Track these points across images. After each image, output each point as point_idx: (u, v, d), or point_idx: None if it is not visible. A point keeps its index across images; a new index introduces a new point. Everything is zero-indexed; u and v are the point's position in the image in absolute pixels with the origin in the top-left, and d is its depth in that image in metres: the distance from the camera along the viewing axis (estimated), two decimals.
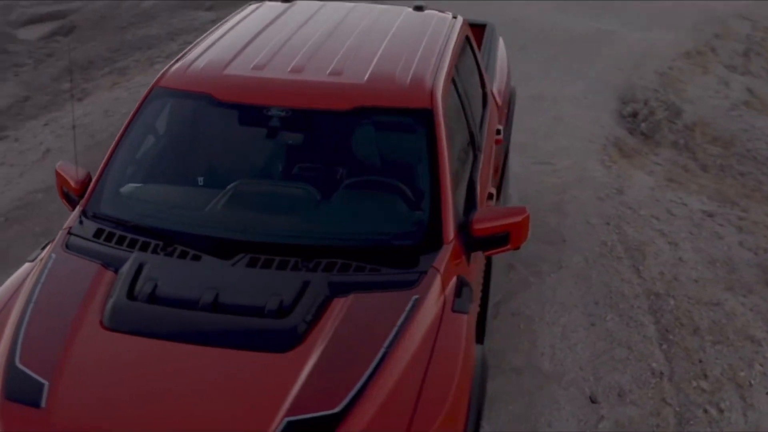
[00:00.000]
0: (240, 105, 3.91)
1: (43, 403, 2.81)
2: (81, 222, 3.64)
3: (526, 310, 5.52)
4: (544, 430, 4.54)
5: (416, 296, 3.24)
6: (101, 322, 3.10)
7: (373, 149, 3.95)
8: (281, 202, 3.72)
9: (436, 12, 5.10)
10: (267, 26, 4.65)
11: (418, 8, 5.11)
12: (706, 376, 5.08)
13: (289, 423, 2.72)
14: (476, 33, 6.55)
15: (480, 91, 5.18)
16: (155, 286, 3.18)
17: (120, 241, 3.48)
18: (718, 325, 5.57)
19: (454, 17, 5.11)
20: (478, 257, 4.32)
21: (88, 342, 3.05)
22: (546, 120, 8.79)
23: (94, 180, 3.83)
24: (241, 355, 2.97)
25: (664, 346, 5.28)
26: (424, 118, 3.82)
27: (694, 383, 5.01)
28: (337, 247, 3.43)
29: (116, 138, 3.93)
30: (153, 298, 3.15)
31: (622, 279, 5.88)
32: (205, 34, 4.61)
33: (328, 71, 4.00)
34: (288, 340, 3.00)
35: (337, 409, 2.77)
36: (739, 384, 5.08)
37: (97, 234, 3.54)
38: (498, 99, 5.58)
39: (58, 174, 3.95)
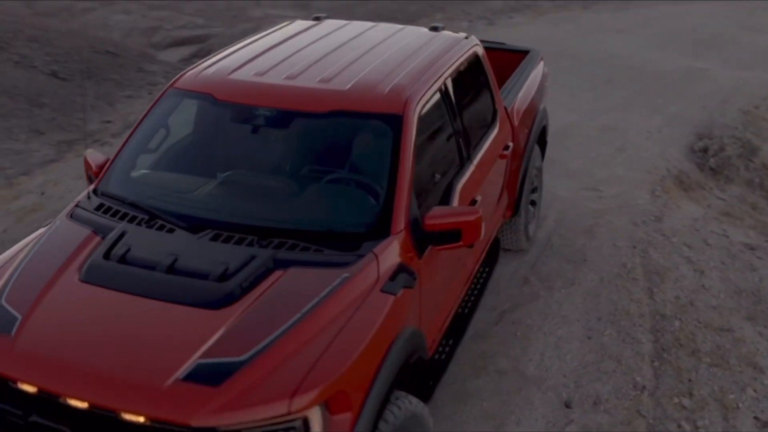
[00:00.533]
0: (233, 104, 4.46)
1: (12, 332, 3.40)
2: (89, 198, 4.27)
3: (527, 320, 5.76)
4: (511, 427, 4.77)
5: (347, 275, 3.64)
6: (79, 276, 3.67)
7: (344, 148, 4.39)
8: (253, 190, 4.23)
9: (450, 33, 5.49)
10: (286, 39, 5.20)
11: (434, 28, 5.53)
12: (691, 395, 5.16)
13: (199, 365, 3.18)
14: (519, 58, 6.90)
15: (487, 107, 5.51)
16: (128, 250, 3.74)
17: (114, 214, 4.07)
18: (721, 350, 5.61)
19: (466, 38, 5.48)
20: (455, 259, 4.67)
21: (63, 290, 3.63)
22: (609, 150, 8.93)
23: (107, 165, 4.46)
24: (181, 309, 3.46)
25: (656, 363, 5.39)
26: (394, 123, 4.23)
27: (676, 400, 5.10)
28: (292, 230, 3.88)
29: (131, 131, 4.56)
30: (123, 259, 3.70)
31: (631, 299, 6.01)
32: (233, 44, 5.20)
33: (318, 79, 4.49)
34: (222, 301, 3.47)
35: (241, 358, 3.21)
36: (725, 406, 5.13)
37: (98, 208, 4.15)
38: (514, 118, 5.88)
39: (84, 160, 4.62)
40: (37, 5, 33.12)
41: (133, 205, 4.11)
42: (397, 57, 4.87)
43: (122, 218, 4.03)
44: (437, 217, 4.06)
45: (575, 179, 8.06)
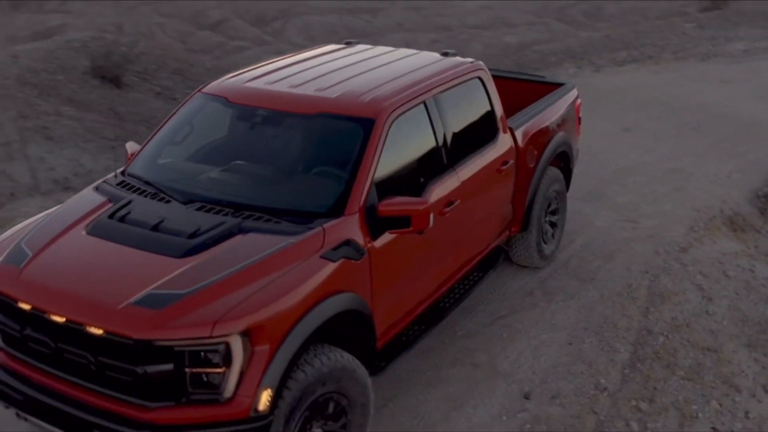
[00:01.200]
0: (240, 106, 5.30)
1: (21, 265, 4.32)
2: (115, 176, 5.20)
3: (517, 325, 6.21)
4: (467, 410, 5.26)
5: (293, 240, 4.35)
6: (86, 230, 4.57)
7: (324, 144, 5.12)
8: (241, 175, 5.04)
9: (456, 59, 6.13)
10: (310, 58, 6.03)
11: (444, 54, 6.19)
12: (652, 401, 5.45)
13: (150, 294, 3.98)
14: (551, 89, 7.44)
15: (486, 125, 6.06)
16: (128, 213, 4.61)
17: (130, 188, 4.98)
18: (700, 367, 5.85)
19: (471, 62, 6.10)
20: (431, 255, 5.25)
21: (70, 239, 4.54)
22: (666, 189, 9.14)
23: (136, 153, 5.40)
24: (153, 256, 4.28)
25: (626, 371, 5.71)
26: (367, 125, 4.93)
27: (634, 403, 5.41)
28: (264, 207, 4.65)
29: (159, 125, 5.50)
30: (122, 219, 4.58)
31: (624, 314, 6.33)
32: (271, 59, 6.09)
33: (315, 89, 5.27)
34: (186, 252, 4.26)
35: (183, 291, 3.98)
36: (684, 414, 5.39)
37: (119, 183, 5.08)
38: (520, 140, 6.39)
39: (126, 150, 5.58)
40: (191, 41, 35.92)
41: (146, 183, 5.01)
42: (390, 74, 5.58)
43: (135, 191, 4.92)
44: (390, 204, 4.70)
45: (618, 211, 8.37)
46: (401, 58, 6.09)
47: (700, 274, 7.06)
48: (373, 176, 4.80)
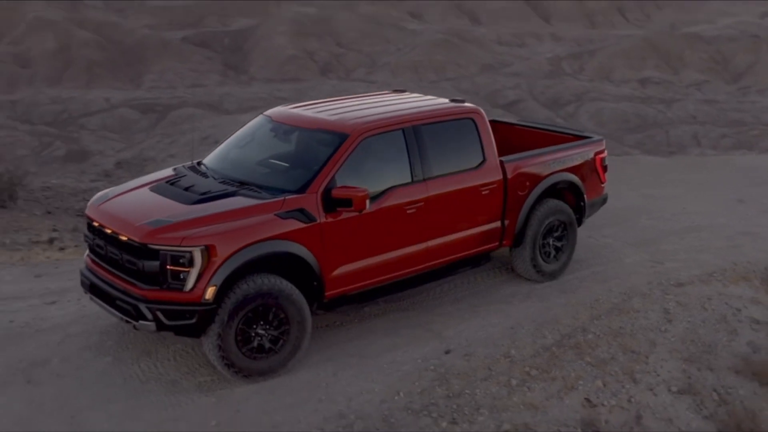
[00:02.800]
0: (275, 122, 7.71)
1: (102, 202, 7.06)
2: (192, 162, 7.82)
3: (483, 312, 7.80)
4: (398, 352, 7.05)
5: (258, 202, 6.62)
6: (150, 188, 7.21)
7: (313, 148, 7.30)
8: (255, 165, 7.42)
9: (458, 104, 8.03)
10: (355, 98, 8.32)
11: (453, 100, 8.14)
12: (544, 371, 6.81)
13: (156, 219, 6.43)
14: (574, 139, 9.02)
15: (472, 155, 7.83)
16: (179, 181, 7.19)
17: (192, 169, 7.55)
18: (612, 360, 7.04)
19: (466, 106, 8.00)
20: (390, 240, 7.22)
21: (138, 192, 7.19)
22: (720, 245, 9.90)
23: (213, 152, 8.00)
24: (175, 203, 6.74)
25: (540, 350, 7.08)
26: (342, 138, 7.08)
27: (527, 369, 6.82)
28: (258, 184, 6.97)
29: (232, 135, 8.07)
30: (173, 184, 7.15)
31: (573, 317, 7.63)
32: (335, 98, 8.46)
33: (328, 114, 7.54)
34: (194, 201, 6.69)
35: (173, 219, 6.40)
36: (566, 384, 6.69)
37: (190, 168, 7.67)
38: (510, 172, 8.02)
39: None
40: None
41: (204, 167, 7.57)
42: (386, 110, 7.68)
43: (193, 171, 7.49)
44: (339, 189, 6.79)
45: (653, 255, 9.46)
46: (412, 101, 8.17)
47: (676, 302, 8.07)
48: (335, 172, 6.93)
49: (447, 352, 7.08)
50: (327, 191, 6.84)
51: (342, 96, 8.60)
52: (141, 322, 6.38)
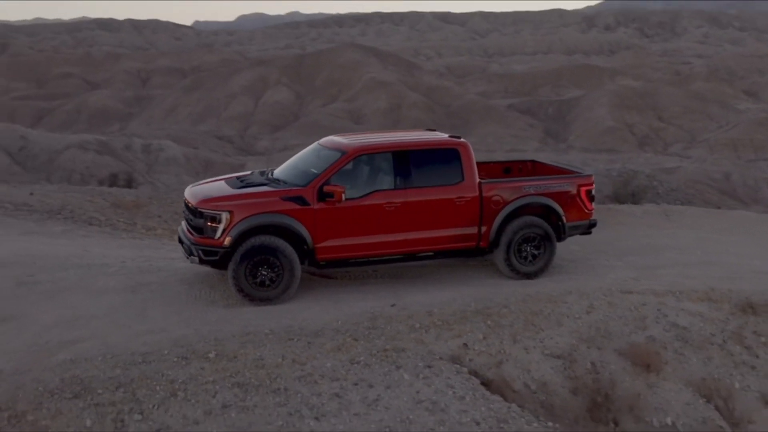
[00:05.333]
0: (320, 145, 11.19)
1: (191, 186, 11.06)
2: (265, 170, 11.55)
3: (447, 282, 10.47)
4: (351, 302, 10.03)
5: (273, 189, 10.17)
6: (225, 181, 11.07)
7: (326, 161, 10.46)
8: (294, 172, 10.90)
9: (449, 138, 10.90)
10: (389, 132, 11.56)
11: (452, 136, 11.04)
12: (449, 325, 9.35)
13: (207, 195, 10.28)
14: (567, 173, 11.39)
15: (452, 174, 10.58)
16: (244, 177, 10.99)
17: (261, 173, 11.28)
18: (509, 327, 9.33)
19: (455, 139, 10.85)
20: (372, 227, 10.37)
21: (216, 182, 11.02)
22: (718, 274, 11.34)
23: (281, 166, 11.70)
24: (228, 188, 10.52)
25: (457, 313, 9.63)
26: (342, 154, 10.40)
27: (437, 321, 9.40)
28: (287, 181, 10.52)
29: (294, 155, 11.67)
30: (239, 178, 10.92)
31: (506, 296, 10.01)
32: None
33: (347, 140, 10.89)
34: (238, 187, 10.41)
35: (215, 195, 10.18)
36: (456, 334, 9.19)
37: (260, 172, 11.39)
38: (486, 191, 10.63)
39: None
40: None
41: (269, 174, 11.26)
42: (393, 139, 10.84)
43: (262, 175, 11.21)
44: (328, 186, 10.10)
45: (639, 272, 11.32)
46: (420, 136, 11.21)
47: (608, 303, 9.91)
48: (331, 175, 10.26)
49: (392, 305, 9.92)
50: (321, 187, 10.19)
51: (386, 131, 11.88)
52: (191, 257, 10.19)
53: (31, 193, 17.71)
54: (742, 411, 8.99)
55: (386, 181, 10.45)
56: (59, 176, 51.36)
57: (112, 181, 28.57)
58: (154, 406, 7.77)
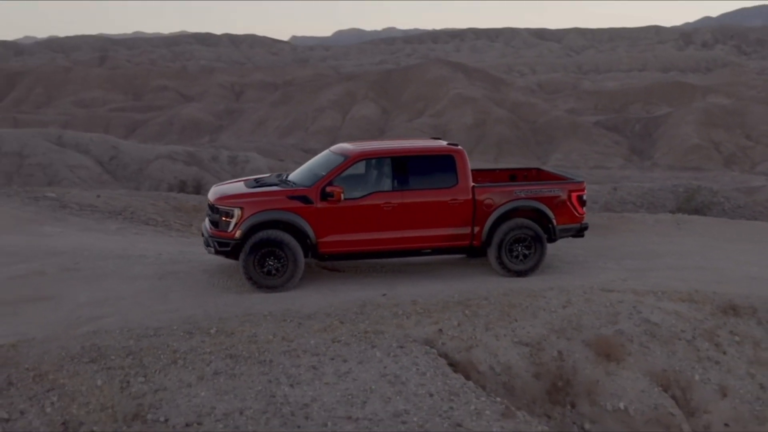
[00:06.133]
0: (330, 151, 12.30)
1: (215, 185, 12.34)
2: (281, 174, 12.73)
3: (441, 277, 11.40)
4: (346, 292, 11.07)
5: (281, 189, 11.36)
6: (243, 182, 12.31)
7: (332, 164, 11.51)
8: (305, 174, 12.02)
9: (445, 145, 11.86)
10: (396, 139, 12.58)
11: (450, 144, 12.00)
12: (429, 312, 10.29)
13: (223, 194, 11.57)
14: (559, 179, 12.20)
15: (447, 178, 11.52)
16: (261, 179, 12.21)
17: (278, 176, 12.46)
18: (484, 317, 10.22)
19: (449, 145, 11.80)
20: (370, 225, 11.44)
21: (235, 183, 12.28)
22: (710, 278, 11.94)
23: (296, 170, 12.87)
24: (245, 187, 11.76)
25: (440, 303, 10.55)
26: (345, 158, 11.48)
27: (419, 309, 10.37)
28: (297, 183, 11.69)
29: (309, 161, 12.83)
30: (256, 180, 12.15)
31: (487, 290, 10.89)
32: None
33: (353, 146, 11.98)
34: (252, 187, 11.65)
35: (230, 194, 11.46)
36: (433, 321, 10.12)
37: (277, 175, 12.57)
38: (478, 194, 11.54)
39: None
40: None
41: (284, 176, 12.44)
42: (395, 145, 11.88)
43: (277, 177, 12.40)
44: (329, 187, 11.22)
45: (629, 273, 12.01)
46: (421, 143, 12.20)
47: (585, 299, 10.64)
48: (334, 177, 11.37)
49: (383, 295, 10.93)
50: (324, 188, 11.31)
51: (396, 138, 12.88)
52: (208, 248, 11.45)
53: (98, 196, 19.38)
54: (699, 401, 9.58)
55: (385, 183, 11.47)
56: (148, 185, 54.12)
57: (181, 187, 30.54)
58: (156, 371, 8.94)
